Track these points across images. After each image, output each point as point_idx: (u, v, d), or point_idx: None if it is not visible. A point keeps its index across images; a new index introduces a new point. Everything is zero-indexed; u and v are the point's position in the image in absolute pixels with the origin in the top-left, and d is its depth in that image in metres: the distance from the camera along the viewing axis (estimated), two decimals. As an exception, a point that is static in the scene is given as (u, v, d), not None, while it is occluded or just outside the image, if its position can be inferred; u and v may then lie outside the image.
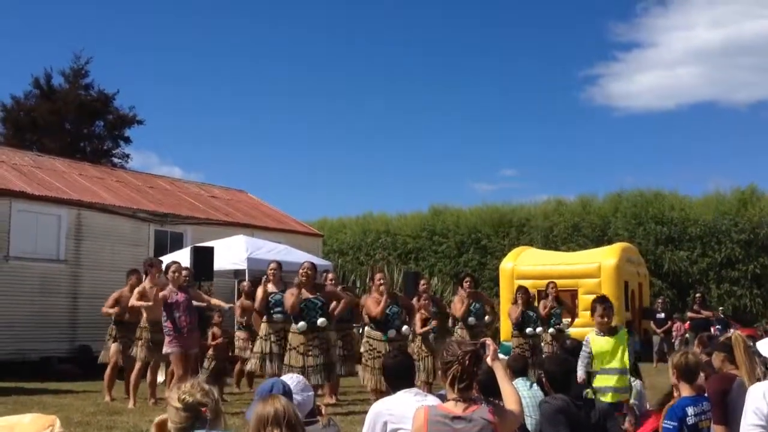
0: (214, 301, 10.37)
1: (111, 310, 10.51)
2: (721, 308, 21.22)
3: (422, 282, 10.86)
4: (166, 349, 8.97)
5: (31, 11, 48.82)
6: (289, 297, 8.72)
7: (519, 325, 11.31)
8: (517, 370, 5.95)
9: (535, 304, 12.13)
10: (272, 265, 9.73)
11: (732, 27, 48.03)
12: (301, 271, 8.84)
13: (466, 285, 11.08)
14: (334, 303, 9.13)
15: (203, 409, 2.41)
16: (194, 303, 9.37)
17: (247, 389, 11.62)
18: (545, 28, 52.55)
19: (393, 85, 53.80)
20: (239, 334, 11.63)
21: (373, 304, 9.00)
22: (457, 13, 52.92)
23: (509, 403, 3.45)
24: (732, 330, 7.39)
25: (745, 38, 47.25)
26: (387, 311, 8.98)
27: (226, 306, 10.44)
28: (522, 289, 11.82)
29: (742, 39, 47.23)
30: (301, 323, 8.64)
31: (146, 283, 9.77)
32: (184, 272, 9.80)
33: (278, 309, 9.28)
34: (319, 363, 8.66)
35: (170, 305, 8.94)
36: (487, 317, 11.47)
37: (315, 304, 8.79)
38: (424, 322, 9.81)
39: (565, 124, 50.73)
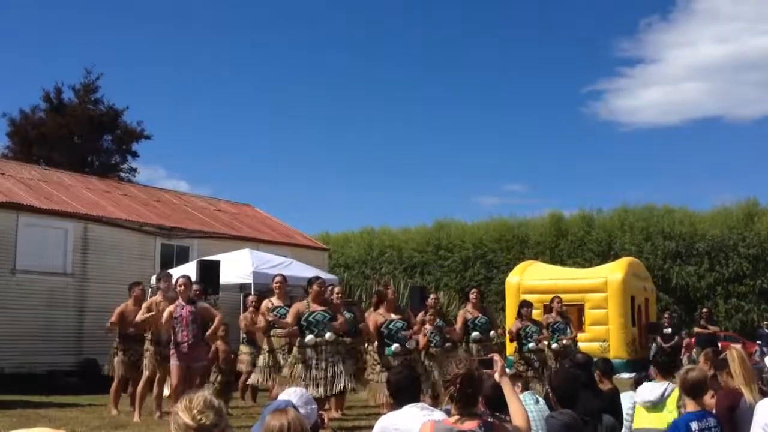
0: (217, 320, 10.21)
1: (113, 327, 10.44)
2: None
3: (432, 297, 10.77)
4: (171, 361, 8.98)
5: (44, 28, 49.27)
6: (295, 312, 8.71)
7: (518, 341, 11.04)
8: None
9: (542, 318, 11.99)
10: (277, 279, 9.73)
11: (736, 43, 48.22)
12: (317, 286, 8.87)
13: (472, 297, 11.00)
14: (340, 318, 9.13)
15: (216, 430, 2.38)
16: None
17: (252, 402, 11.59)
18: (550, 44, 52.79)
19: (398, 99, 54.01)
20: (243, 349, 11.60)
21: (372, 322, 9.02)
22: (463, 30, 53.18)
23: (516, 419, 3.44)
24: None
25: (750, 54, 47.42)
26: (390, 326, 9.01)
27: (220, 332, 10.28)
28: (525, 303, 11.65)
29: (746, 55, 47.41)
30: (309, 337, 8.61)
31: (158, 297, 9.79)
32: (195, 287, 9.82)
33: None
34: (326, 376, 8.63)
35: (174, 319, 8.95)
36: (492, 332, 11.29)
37: (324, 317, 8.79)
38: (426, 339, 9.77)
39: (570, 139, 50.90)
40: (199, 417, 2.35)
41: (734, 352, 4.84)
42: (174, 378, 8.90)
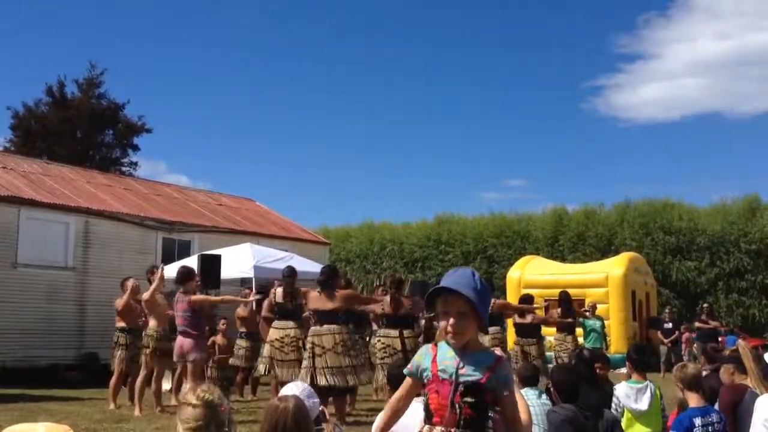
0: (228, 297, 10.55)
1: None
2: None
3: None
4: (194, 355, 8.85)
5: (47, 22, 49.22)
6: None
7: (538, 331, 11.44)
8: (526, 379, 5.84)
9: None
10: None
11: (736, 39, 48.13)
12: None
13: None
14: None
15: (222, 407, 2.41)
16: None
17: (251, 396, 11.60)
18: (549, 41, 52.70)
19: (398, 94, 53.97)
20: (240, 343, 11.58)
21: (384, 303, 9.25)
22: (463, 27, 53.09)
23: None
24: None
25: (749, 50, 47.34)
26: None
27: (250, 298, 10.63)
28: (526, 298, 11.78)
29: (746, 51, 47.32)
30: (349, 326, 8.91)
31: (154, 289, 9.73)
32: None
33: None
34: (356, 364, 8.66)
35: (197, 311, 8.94)
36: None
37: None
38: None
39: (570, 134, 50.88)
40: (203, 395, 2.39)
41: (745, 347, 4.82)
42: (195, 372, 8.82)
